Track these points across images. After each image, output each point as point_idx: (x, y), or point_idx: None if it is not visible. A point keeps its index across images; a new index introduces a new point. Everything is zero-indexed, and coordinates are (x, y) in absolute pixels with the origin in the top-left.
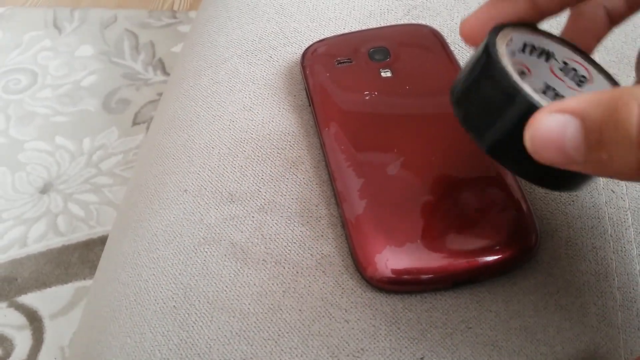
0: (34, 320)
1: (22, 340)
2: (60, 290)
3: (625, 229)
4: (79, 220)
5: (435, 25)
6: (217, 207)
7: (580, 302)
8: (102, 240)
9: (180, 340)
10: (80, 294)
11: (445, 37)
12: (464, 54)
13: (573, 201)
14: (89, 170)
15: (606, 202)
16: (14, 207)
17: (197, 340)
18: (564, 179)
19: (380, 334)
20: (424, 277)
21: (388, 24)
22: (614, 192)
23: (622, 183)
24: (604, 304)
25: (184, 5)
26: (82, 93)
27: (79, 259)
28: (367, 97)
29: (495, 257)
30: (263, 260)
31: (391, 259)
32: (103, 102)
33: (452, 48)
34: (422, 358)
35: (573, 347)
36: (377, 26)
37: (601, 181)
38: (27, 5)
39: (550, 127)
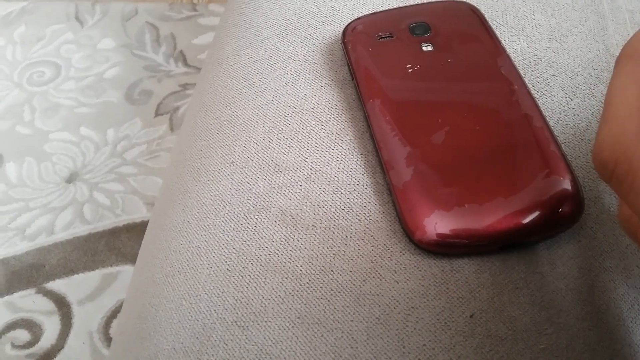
0: (63, 305)
1: (51, 325)
2: (88, 277)
3: None
4: (104, 209)
5: (472, 2)
6: (264, 177)
7: (624, 264)
8: (127, 228)
9: (236, 300)
10: (107, 280)
11: (483, 13)
12: (501, 30)
13: None
14: (113, 160)
15: None
16: (41, 196)
17: (252, 300)
18: None
19: (430, 294)
20: (472, 239)
21: (428, 1)
22: None
23: None
24: None
25: None
26: (105, 85)
27: (105, 246)
28: (409, 70)
29: (541, 220)
30: (312, 225)
31: (439, 223)
32: (126, 94)
33: (489, 24)
34: (471, 315)
35: (617, 307)
36: (418, 3)
37: None
38: None
39: None
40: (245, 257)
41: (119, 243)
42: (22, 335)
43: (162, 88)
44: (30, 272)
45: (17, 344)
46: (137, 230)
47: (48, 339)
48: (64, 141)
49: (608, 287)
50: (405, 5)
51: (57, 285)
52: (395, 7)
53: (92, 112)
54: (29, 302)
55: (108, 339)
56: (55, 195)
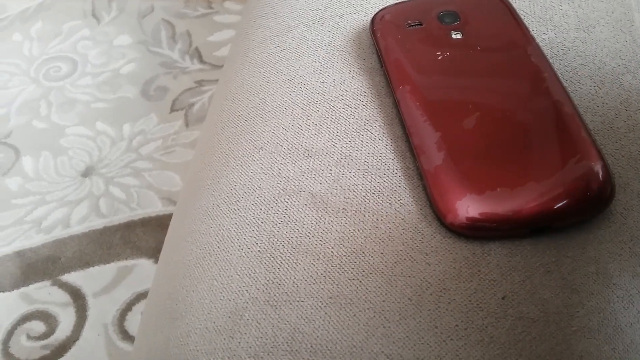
0: (78, 298)
1: (66, 317)
2: (103, 270)
3: None
4: (120, 203)
5: None
6: (294, 162)
7: None
8: (142, 222)
9: (267, 280)
10: (123, 273)
11: (510, 3)
12: (529, 20)
13: None
14: (129, 154)
15: None
16: (57, 189)
17: (284, 280)
18: None
19: (462, 276)
20: (503, 223)
21: None
22: None
23: None
24: None
25: None
26: (121, 81)
27: (120, 239)
28: (439, 57)
29: (572, 205)
30: (343, 209)
31: (472, 206)
32: (142, 90)
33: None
34: (504, 297)
35: None
36: None
37: None
38: None
39: None
40: (276, 239)
41: (134, 237)
42: (38, 326)
43: (177, 84)
44: (45, 264)
45: (33, 335)
46: (152, 224)
47: (63, 331)
48: (80, 136)
49: (637, 272)
50: None
51: (73, 277)
52: None
53: (108, 108)
54: (44, 294)
55: (123, 332)
56: (71, 189)
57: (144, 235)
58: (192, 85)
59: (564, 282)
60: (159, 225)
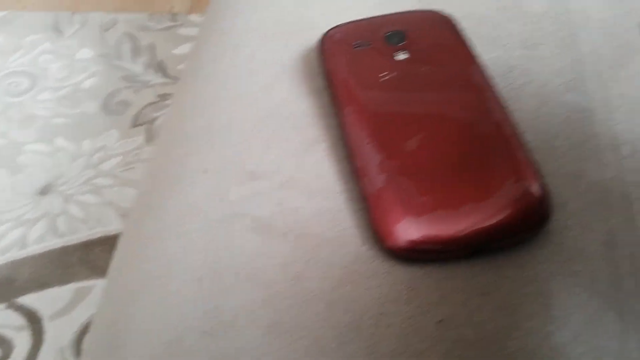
0: (34, 321)
1: (22, 341)
2: (60, 291)
3: (631, 203)
4: (78, 221)
5: (447, 12)
6: (239, 185)
7: (590, 269)
8: (101, 241)
9: (207, 309)
10: (81, 294)
11: (457, 23)
12: (475, 39)
13: (581, 176)
14: (88, 171)
15: (612, 177)
16: (14, 208)
17: (224, 308)
18: None
19: (401, 299)
20: (442, 245)
21: (404, 10)
22: (619, 168)
23: (628, 159)
24: (613, 272)
25: (184, 8)
26: (82, 95)
27: (79, 259)
28: (384, 78)
29: (509, 226)
30: (285, 233)
31: (410, 230)
32: (103, 104)
33: (463, 33)
34: (441, 321)
35: (583, 310)
36: (393, 12)
37: (607, 157)
38: (27, 9)
39: None
40: (218, 266)
41: (93, 256)
42: None
43: (140, 98)
44: (0, 286)
45: None
46: (111, 242)
47: (19, 355)
48: (39, 152)
49: (574, 291)
50: (381, 14)
51: (29, 299)
52: (371, 16)
53: (68, 123)
54: None
55: (80, 355)
56: (28, 208)
57: (103, 254)
58: (154, 100)
59: (501, 304)
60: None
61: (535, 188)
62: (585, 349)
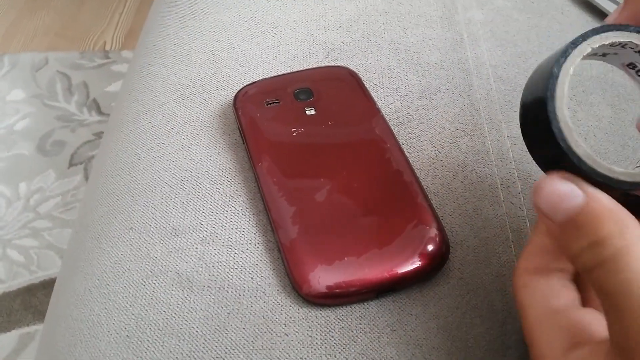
0: None
1: None
2: (4, 339)
3: (525, 235)
4: (19, 266)
5: (352, 66)
6: (162, 242)
7: (488, 300)
8: (44, 285)
9: None
10: (25, 341)
11: (361, 76)
12: (377, 91)
13: (478, 214)
14: (26, 214)
15: (507, 213)
16: None
17: None
18: None
19: (316, 343)
20: (352, 289)
21: (310, 67)
22: (513, 203)
23: (520, 195)
24: (510, 301)
25: (116, 45)
26: (16, 137)
27: (21, 305)
28: (294, 133)
29: (413, 268)
30: (207, 286)
31: (323, 277)
32: (38, 145)
33: (367, 86)
34: None
35: (484, 340)
36: (301, 69)
37: (501, 194)
38: None
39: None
40: (143, 322)
41: (36, 301)
42: None
43: (75, 138)
44: None
45: None
46: (53, 286)
47: None
48: None
49: (474, 322)
50: (291, 71)
51: None
52: (282, 73)
53: (3, 167)
54: None
55: None
56: None
57: (46, 298)
58: (90, 138)
59: (407, 339)
60: None
61: (433, 230)
62: None
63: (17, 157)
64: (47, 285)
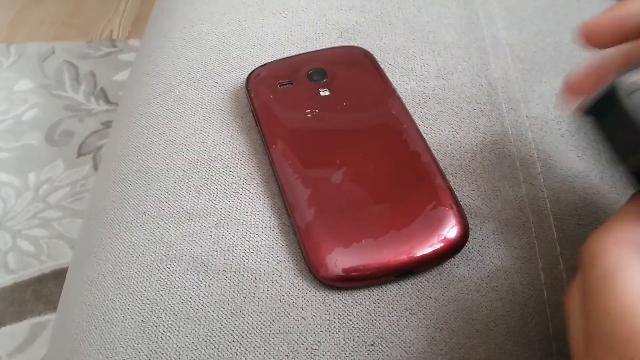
0: None
1: None
2: (16, 329)
3: (545, 217)
4: (29, 256)
5: (365, 46)
6: (176, 226)
7: (509, 283)
8: (54, 275)
9: (150, 351)
10: (37, 330)
11: (375, 56)
12: (393, 71)
13: (497, 195)
14: (36, 205)
15: (526, 194)
16: None
17: (167, 349)
18: None
19: (334, 327)
20: (370, 272)
21: (323, 47)
22: (532, 185)
23: (540, 176)
24: (530, 284)
25: (123, 33)
26: (24, 128)
27: (32, 295)
28: (309, 115)
29: (432, 250)
30: (223, 270)
31: (340, 259)
32: (46, 135)
33: (382, 66)
34: (372, 344)
35: (505, 323)
36: (314, 49)
37: (520, 175)
38: None
39: None
40: (158, 307)
41: (47, 290)
42: None
43: (83, 127)
44: None
45: None
46: (64, 275)
47: None
48: None
49: (495, 305)
50: (304, 52)
51: None
52: (295, 54)
53: (12, 157)
54: None
55: None
56: None
57: (57, 288)
58: (99, 128)
59: (427, 323)
60: None
61: (452, 211)
62: (510, 359)
63: (26, 148)
64: (58, 275)
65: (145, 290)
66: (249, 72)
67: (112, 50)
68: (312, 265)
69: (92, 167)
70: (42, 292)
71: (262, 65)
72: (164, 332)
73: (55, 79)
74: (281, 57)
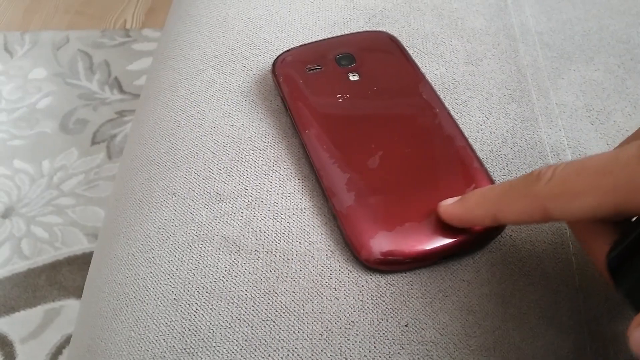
0: (5, 345)
1: None
2: (29, 314)
3: None
4: (43, 243)
5: (394, 32)
6: (206, 207)
7: (541, 268)
8: (68, 261)
9: (184, 328)
10: (50, 316)
11: (403, 42)
12: (421, 57)
13: None
14: (50, 192)
15: None
16: None
17: (200, 326)
18: None
19: (368, 307)
20: (416, 255)
21: (351, 32)
22: None
23: None
24: (563, 269)
25: (137, 23)
26: (38, 115)
27: (46, 281)
28: (340, 100)
29: (474, 233)
30: (255, 250)
31: (385, 242)
32: (60, 124)
33: (410, 51)
34: (406, 325)
35: (538, 307)
36: (341, 34)
37: (551, 162)
38: None
39: None
40: (191, 286)
41: (60, 277)
42: None
43: (97, 116)
44: None
45: None
46: (78, 262)
47: None
48: None
49: (527, 290)
50: (331, 36)
51: None
52: (321, 39)
53: (26, 144)
54: None
55: None
56: None
57: (71, 275)
58: (113, 117)
59: (460, 305)
60: (85, 263)
61: None
62: (543, 343)
63: (40, 135)
64: (72, 262)
65: (177, 269)
66: (275, 56)
67: (126, 39)
68: (355, 248)
69: (105, 156)
70: (56, 278)
71: (287, 51)
72: (196, 310)
73: (69, 67)
74: (308, 42)
